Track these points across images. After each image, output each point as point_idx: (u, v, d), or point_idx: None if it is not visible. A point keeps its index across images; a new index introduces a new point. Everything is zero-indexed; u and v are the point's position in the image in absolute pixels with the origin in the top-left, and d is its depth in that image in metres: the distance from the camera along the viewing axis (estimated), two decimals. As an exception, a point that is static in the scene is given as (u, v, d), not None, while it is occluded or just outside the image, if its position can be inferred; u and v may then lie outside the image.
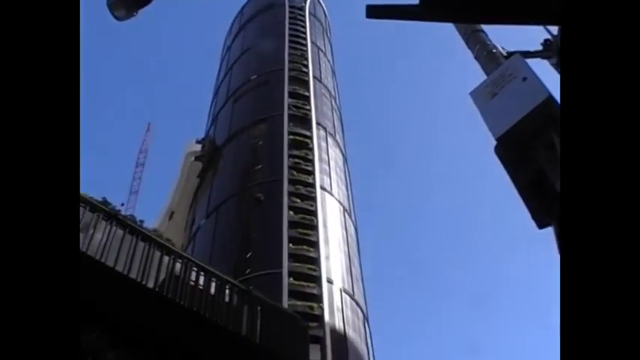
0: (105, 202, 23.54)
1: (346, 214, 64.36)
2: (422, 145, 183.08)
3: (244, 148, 70.31)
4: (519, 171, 7.85)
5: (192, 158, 75.64)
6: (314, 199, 60.54)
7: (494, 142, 7.81)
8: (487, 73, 8.68)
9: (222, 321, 24.55)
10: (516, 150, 7.57)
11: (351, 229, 63.84)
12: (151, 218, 73.94)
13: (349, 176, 73.15)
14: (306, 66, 72.39)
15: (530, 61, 8.23)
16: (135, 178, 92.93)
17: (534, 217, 7.71)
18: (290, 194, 60.19)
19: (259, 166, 64.85)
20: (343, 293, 52.90)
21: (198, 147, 75.98)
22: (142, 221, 25.55)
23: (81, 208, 22.47)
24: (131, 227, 23.81)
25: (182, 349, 23.93)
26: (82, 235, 21.95)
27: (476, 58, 9.38)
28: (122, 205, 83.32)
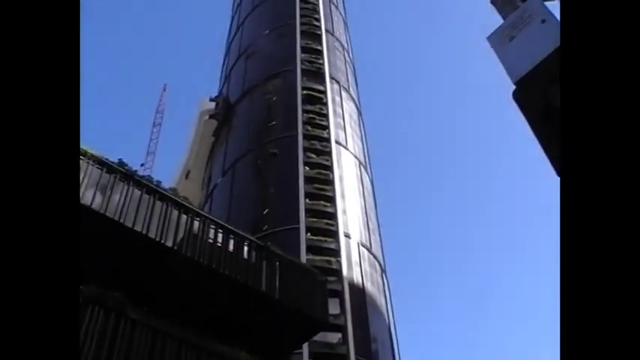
0: (121, 163, 23.57)
1: (362, 167, 64.32)
2: (439, 98, 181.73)
3: (258, 104, 70.05)
4: (538, 116, 7.71)
5: (207, 116, 75.56)
6: (329, 153, 60.44)
7: (513, 88, 7.64)
8: (504, 17, 8.47)
9: (242, 277, 24.76)
10: (535, 94, 7.40)
11: (367, 183, 63.88)
12: (169, 178, 74.37)
13: (364, 129, 72.91)
14: (318, 19, 71.41)
15: (549, 4, 8.03)
16: (152, 138, 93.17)
17: (554, 166, 7.61)
18: (305, 150, 60.12)
19: (273, 122, 64.69)
20: (361, 247, 53.21)
21: (212, 105, 75.78)
22: (159, 181, 25.58)
23: (97, 170, 22.59)
24: (148, 187, 23.90)
25: (202, 306, 24.28)
26: (99, 197, 22.12)
27: (492, 2, 9.16)
28: (142, 165, 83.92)
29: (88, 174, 22.16)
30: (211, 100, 76.76)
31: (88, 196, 21.75)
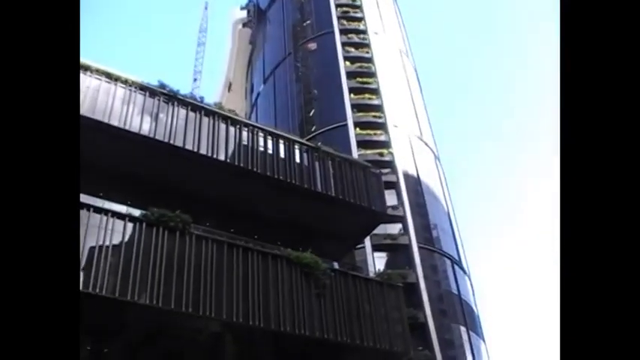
0: (162, 85, 23.64)
1: (403, 54, 63.24)
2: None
3: (289, 6, 68.89)
4: None
5: (240, 25, 74.72)
6: (368, 45, 59.53)
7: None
8: None
9: (297, 180, 25.06)
10: None
11: (410, 69, 62.91)
12: (216, 94, 74.51)
13: (401, 15, 71.25)
14: None
15: None
16: (197, 58, 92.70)
17: None
18: (343, 44, 59.34)
19: (308, 22, 63.73)
20: (411, 135, 53.04)
21: (244, 13, 74.78)
22: (202, 97, 25.66)
23: (139, 95, 22.78)
24: (192, 105, 24.02)
25: (260, 214, 24.79)
26: (147, 122, 22.42)
27: None
28: (195, 80, 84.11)
29: (132, 100, 22.39)
30: (242, 8, 75.55)
31: (135, 122, 22.06)
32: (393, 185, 45.92)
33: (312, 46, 60.60)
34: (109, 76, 22.42)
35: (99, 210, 18.72)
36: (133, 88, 22.82)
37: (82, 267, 17.37)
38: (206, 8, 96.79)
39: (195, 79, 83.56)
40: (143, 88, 23.11)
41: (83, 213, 18.23)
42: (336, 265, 24.43)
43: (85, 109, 21.07)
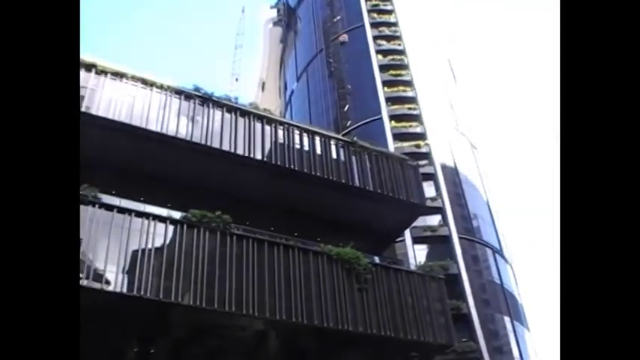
0: (197, 88, 23.91)
1: (436, 42, 62.68)
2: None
3: (319, 2, 68.82)
4: None
5: (271, 24, 74.97)
6: (399, 37, 59.17)
7: None
8: None
9: (335, 176, 25.10)
10: None
11: (444, 58, 62.36)
12: (251, 96, 74.89)
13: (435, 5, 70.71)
14: None
15: None
16: (235, 60, 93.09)
17: None
18: (375, 38, 59.05)
19: (338, 18, 63.55)
20: (447, 126, 52.63)
21: (274, 12, 75.02)
22: (236, 98, 25.84)
23: (175, 98, 23.08)
24: (228, 106, 24.24)
25: (300, 212, 24.88)
26: (183, 125, 22.68)
27: None
28: (236, 80, 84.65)
29: (168, 105, 22.68)
30: (272, 7, 75.76)
31: (172, 125, 22.33)
32: (431, 177, 45.66)
33: (344, 37, 60.54)
34: (145, 82, 22.75)
35: (140, 214, 19.01)
36: (169, 93, 23.12)
37: (125, 270, 17.70)
38: (243, 11, 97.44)
39: (237, 79, 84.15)
40: (178, 92, 23.41)
41: (125, 217, 18.57)
42: (376, 260, 24.40)
43: (122, 116, 21.44)
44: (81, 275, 16.94)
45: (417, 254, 41.63)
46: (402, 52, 57.48)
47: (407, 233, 39.33)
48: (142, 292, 17.37)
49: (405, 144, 48.42)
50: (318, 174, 24.76)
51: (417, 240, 42.34)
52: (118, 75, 22.37)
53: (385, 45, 58.38)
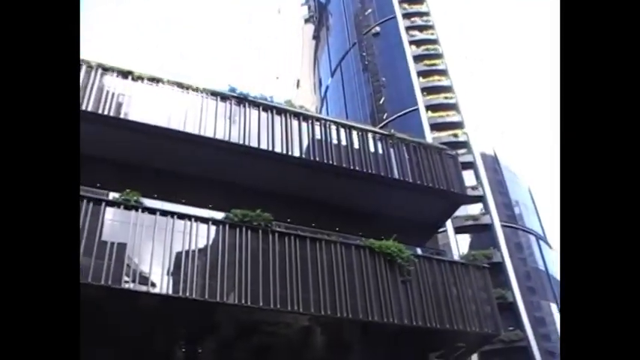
0: (232, 89, 24.16)
1: (468, 28, 62.08)
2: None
3: (349, -4, 68.84)
4: None
5: (303, 22, 75.15)
6: (432, 26, 58.87)
7: None
8: None
9: (373, 169, 25.07)
10: None
11: (478, 42, 61.76)
12: (282, 92, 75.08)
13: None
14: None
15: None
16: (270, 59, 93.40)
17: None
18: (407, 29, 58.85)
19: (369, 10, 63.47)
20: (484, 113, 52.16)
21: (305, 9, 75.15)
22: (271, 97, 25.98)
23: (211, 100, 23.34)
24: (264, 105, 24.39)
25: (339, 206, 24.93)
26: (220, 126, 22.91)
27: None
28: (277, 78, 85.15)
29: (204, 107, 22.96)
30: (302, 4, 75.95)
31: (209, 127, 22.59)
32: (471, 165, 45.40)
33: (376, 29, 60.46)
34: (181, 86, 23.06)
35: (182, 216, 19.27)
36: (205, 95, 23.39)
37: (170, 272, 17.97)
38: (279, 12, 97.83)
39: (277, 77, 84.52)
40: (214, 94, 23.65)
41: (167, 220, 18.86)
42: (419, 251, 24.33)
43: (160, 120, 21.76)
44: (127, 279, 17.28)
45: (460, 244, 41.48)
46: (435, 42, 57.19)
47: (449, 223, 39.19)
48: (188, 293, 17.62)
49: (443, 133, 48.26)
50: (357, 168, 24.75)
51: (459, 230, 42.18)
52: (154, 80, 22.73)
53: (418, 35, 58.17)
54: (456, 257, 28.69)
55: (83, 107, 20.91)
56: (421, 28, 58.64)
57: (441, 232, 37.42)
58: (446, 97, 51.99)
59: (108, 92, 21.83)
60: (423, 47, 56.54)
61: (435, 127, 49.24)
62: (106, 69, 22.32)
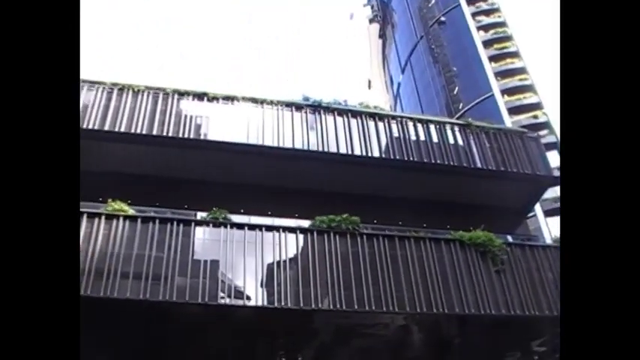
0: (306, 98, 24.51)
1: (537, 7, 60.67)
2: None
3: (411, -11, 68.43)
4: None
5: (368, 22, 75.28)
6: (498, 9, 57.84)
7: None
8: None
9: (455, 161, 24.82)
10: None
11: (550, 19, 60.25)
12: (354, 95, 75.31)
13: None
14: None
15: None
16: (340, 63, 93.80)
17: None
18: (473, 15, 58.02)
19: (433, 2, 62.92)
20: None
21: (368, 9, 75.24)
22: (345, 101, 26.13)
23: (286, 111, 23.75)
24: (338, 110, 24.58)
25: (424, 201, 24.84)
26: (298, 134, 23.23)
27: None
28: (369, 81, 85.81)
29: (280, 118, 23.36)
30: (365, 5, 76.14)
31: (287, 138, 22.95)
32: (554, 145, 44.24)
33: (441, 18, 59.95)
34: (255, 101, 23.54)
35: (270, 228, 19.61)
36: (280, 107, 23.79)
37: (264, 284, 18.31)
38: (351, 18, 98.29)
39: (369, 81, 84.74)
40: (289, 105, 24.03)
41: (256, 233, 19.24)
42: (510, 239, 23.87)
43: (239, 136, 22.30)
44: (222, 294, 17.73)
45: (551, 227, 40.45)
46: (503, 24, 56.20)
47: (538, 207, 38.28)
48: (283, 303, 17.89)
49: (522, 116, 47.28)
50: (438, 161, 24.58)
51: (548, 212, 41.14)
52: (229, 99, 23.33)
53: (485, 20, 57.27)
54: (548, 241, 27.95)
55: (164, 133, 21.68)
56: (487, 12, 57.71)
57: (530, 216, 36.63)
58: (521, 79, 50.94)
59: (186, 116, 22.52)
60: (491, 31, 55.63)
61: (514, 110, 48.30)
62: (181, 93, 23.06)
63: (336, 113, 24.57)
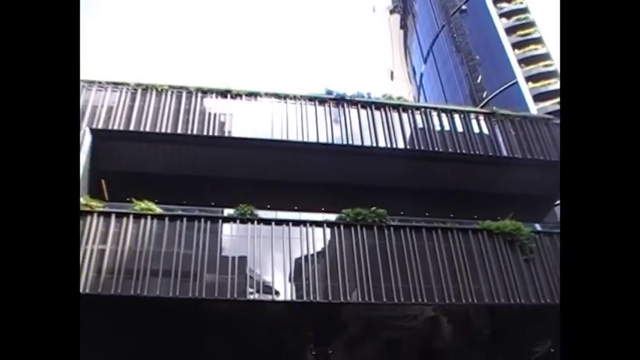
0: (329, 92, 24.49)
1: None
2: None
3: (431, -21, 68.01)
4: None
5: (388, 13, 74.99)
6: (521, -4, 57.33)
7: None
8: None
9: (480, 150, 24.65)
10: None
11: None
12: (377, 87, 75.04)
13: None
14: None
15: None
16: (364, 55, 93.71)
17: None
18: (495, 2, 57.53)
19: (453, -10, 62.58)
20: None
21: (389, 0, 74.92)
22: (369, 94, 26.07)
23: (309, 105, 23.75)
24: (362, 102, 24.54)
25: (451, 191, 24.75)
26: (322, 129, 23.23)
27: None
28: (392, 72, 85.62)
29: (303, 113, 23.37)
30: (384, -4, 75.83)
31: (312, 132, 22.95)
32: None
33: (462, 7, 59.52)
34: (278, 96, 23.59)
35: (297, 222, 19.66)
36: (303, 101, 23.80)
37: (292, 278, 18.39)
38: (374, 11, 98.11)
39: (392, 72, 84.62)
40: (312, 99, 24.04)
41: (283, 228, 19.31)
42: (538, 227, 23.66)
43: (261, 132, 22.37)
44: (251, 290, 17.84)
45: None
46: (525, 10, 55.59)
47: (566, 195, 37.85)
48: (311, 297, 17.98)
49: (548, 103, 46.74)
50: (464, 151, 24.43)
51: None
52: (252, 95, 23.39)
53: (507, 7, 56.72)
54: (578, 228, 27.54)
55: (188, 131, 21.83)
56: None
57: (558, 204, 36.30)
58: (545, 66, 50.38)
59: (210, 113, 22.64)
60: (513, 18, 55.09)
61: (539, 97, 47.78)
62: (204, 91, 23.18)
63: (359, 106, 24.54)
